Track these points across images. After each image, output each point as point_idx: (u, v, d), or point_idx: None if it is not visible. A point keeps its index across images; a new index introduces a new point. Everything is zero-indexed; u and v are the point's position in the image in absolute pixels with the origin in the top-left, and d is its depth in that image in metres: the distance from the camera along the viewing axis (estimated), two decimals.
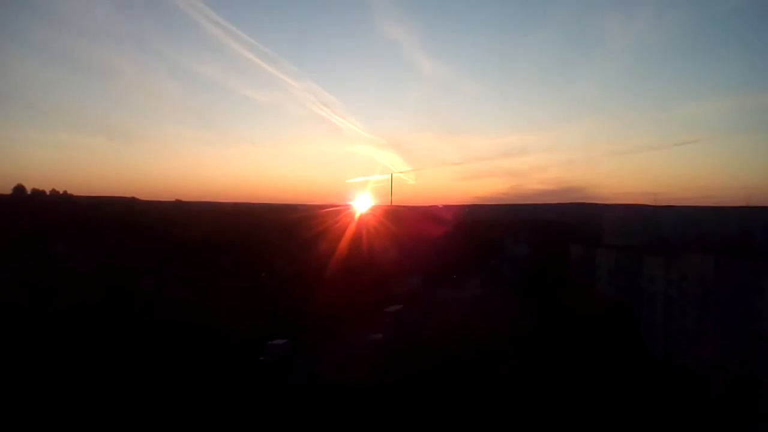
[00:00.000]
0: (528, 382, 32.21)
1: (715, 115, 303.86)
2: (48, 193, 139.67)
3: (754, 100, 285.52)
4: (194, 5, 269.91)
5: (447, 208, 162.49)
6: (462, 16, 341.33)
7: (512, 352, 36.61)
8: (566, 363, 35.17)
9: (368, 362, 36.41)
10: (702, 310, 35.46)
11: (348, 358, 37.70)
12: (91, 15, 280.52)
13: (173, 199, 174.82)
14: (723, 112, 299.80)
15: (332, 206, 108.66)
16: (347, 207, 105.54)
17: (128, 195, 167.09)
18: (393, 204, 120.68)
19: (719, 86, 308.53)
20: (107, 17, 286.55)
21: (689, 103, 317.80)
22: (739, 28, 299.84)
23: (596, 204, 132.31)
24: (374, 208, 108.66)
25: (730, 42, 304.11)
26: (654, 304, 40.94)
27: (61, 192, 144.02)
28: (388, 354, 38.86)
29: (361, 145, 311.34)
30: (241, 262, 65.29)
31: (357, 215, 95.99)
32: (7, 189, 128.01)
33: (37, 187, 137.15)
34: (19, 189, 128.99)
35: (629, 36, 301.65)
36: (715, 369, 33.13)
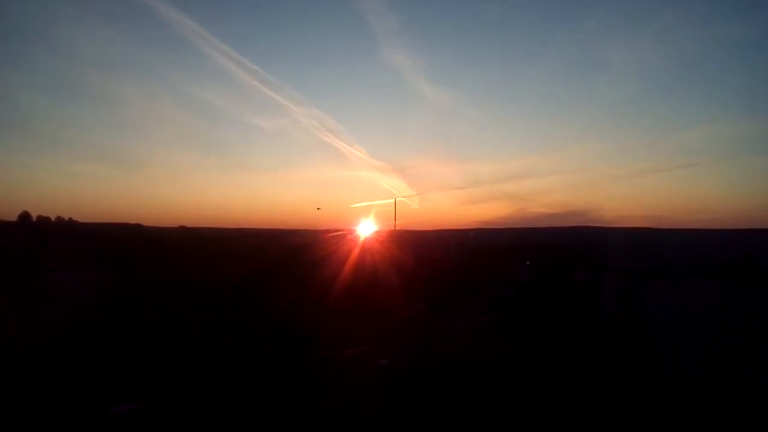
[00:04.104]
0: (533, 411, 31.78)
1: (718, 137, 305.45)
2: (54, 219, 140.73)
3: (756, 123, 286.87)
4: (199, 33, 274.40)
5: (451, 232, 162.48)
6: (464, 42, 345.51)
7: (515, 382, 36.22)
8: (572, 391, 34.73)
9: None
10: (709, 335, 34.99)
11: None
12: (95, 43, 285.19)
13: (177, 225, 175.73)
14: (725, 134, 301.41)
15: (336, 231, 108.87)
16: (351, 231, 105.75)
17: (133, 221, 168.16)
18: (397, 228, 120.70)
19: (722, 109, 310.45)
20: (111, 45, 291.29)
21: (691, 126, 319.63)
22: (740, 52, 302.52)
23: (600, 227, 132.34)
24: (378, 233, 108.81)
25: (731, 66, 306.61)
26: (660, 329, 40.41)
27: (66, 218, 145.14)
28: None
29: (365, 170, 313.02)
30: (246, 288, 65.25)
31: (361, 240, 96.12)
32: (13, 215, 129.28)
33: (42, 213, 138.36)
34: (25, 215, 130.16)
35: (630, 61, 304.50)
36: (724, 395, 32.62)
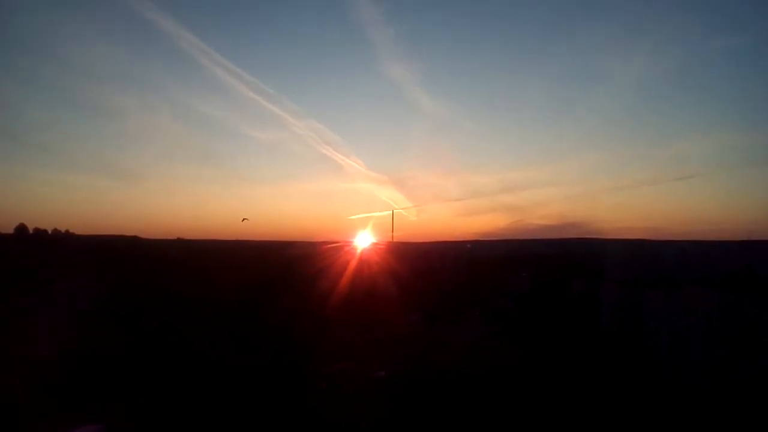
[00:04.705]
0: (531, 421, 31.74)
1: (715, 148, 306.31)
2: (50, 232, 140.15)
3: (754, 134, 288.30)
4: (197, 45, 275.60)
5: (449, 243, 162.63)
6: (462, 54, 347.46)
7: (513, 391, 36.17)
8: (570, 402, 34.68)
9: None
10: (707, 345, 35.10)
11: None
12: (94, 55, 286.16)
13: (175, 237, 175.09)
14: (723, 145, 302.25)
15: (334, 242, 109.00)
16: (349, 243, 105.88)
17: (131, 233, 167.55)
18: (394, 240, 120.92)
19: (719, 120, 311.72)
20: (110, 57, 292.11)
21: (688, 137, 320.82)
22: (737, 63, 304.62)
23: (597, 238, 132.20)
24: (376, 244, 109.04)
25: (729, 77, 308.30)
26: (658, 339, 40.52)
27: (63, 231, 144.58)
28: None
29: (362, 182, 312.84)
30: (243, 299, 65.08)
31: (358, 251, 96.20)
32: (9, 228, 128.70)
33: (39, 226, 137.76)
34: (21, 228, 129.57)
35: (628, 72, 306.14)
36: (723, 404, 32.65)
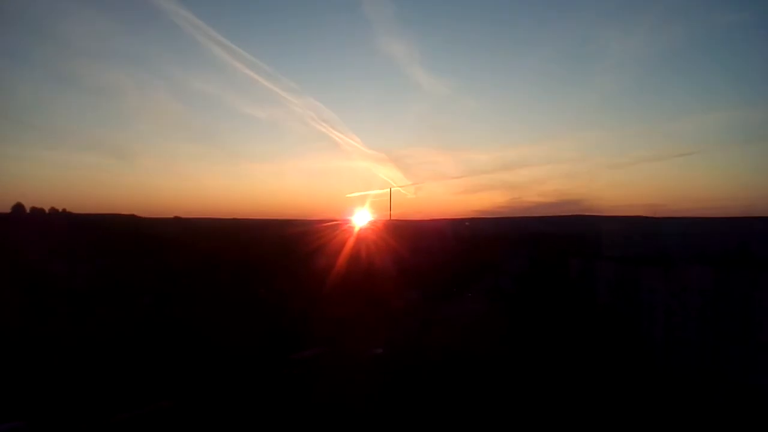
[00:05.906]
0: (527, 396, 32.01)
1: (713, 126, 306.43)
2: (47, 211, 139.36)
3: (751, 112, 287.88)
4: (195, 23, 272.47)
5: (447, 221, 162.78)
6: (460, 31, 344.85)
7: (509, 369, 36.43)
8: (566, 378, 34.94)
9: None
10: (702, 321, 35.27)
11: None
12: (90, 34, 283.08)
13: (172, 216, 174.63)
14: (720, 123, 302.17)
15: (331, 221, 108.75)
16: (346, 221, 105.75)
17: (127, 212, 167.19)
18: (392, 218, 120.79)
19: (716, 98, 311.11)
20: (107, 36, 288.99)
21: (687, 115, 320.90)
22: (736, 41, 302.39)
23: (595, 216, 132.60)
24: (373, 223, 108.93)
25: (728, 55, 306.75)
26: (654, 316, 40.67)
27: (60, 210, 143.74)
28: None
29: (360, 160, 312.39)
30: (240, 278, 65.15)
31: (356, 229, 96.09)
32: (7, 207, 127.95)
33: (36, 205, 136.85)
34: (19, 207, 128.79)
35: (627, 50, 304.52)
36: (717, 380, 32.90)
